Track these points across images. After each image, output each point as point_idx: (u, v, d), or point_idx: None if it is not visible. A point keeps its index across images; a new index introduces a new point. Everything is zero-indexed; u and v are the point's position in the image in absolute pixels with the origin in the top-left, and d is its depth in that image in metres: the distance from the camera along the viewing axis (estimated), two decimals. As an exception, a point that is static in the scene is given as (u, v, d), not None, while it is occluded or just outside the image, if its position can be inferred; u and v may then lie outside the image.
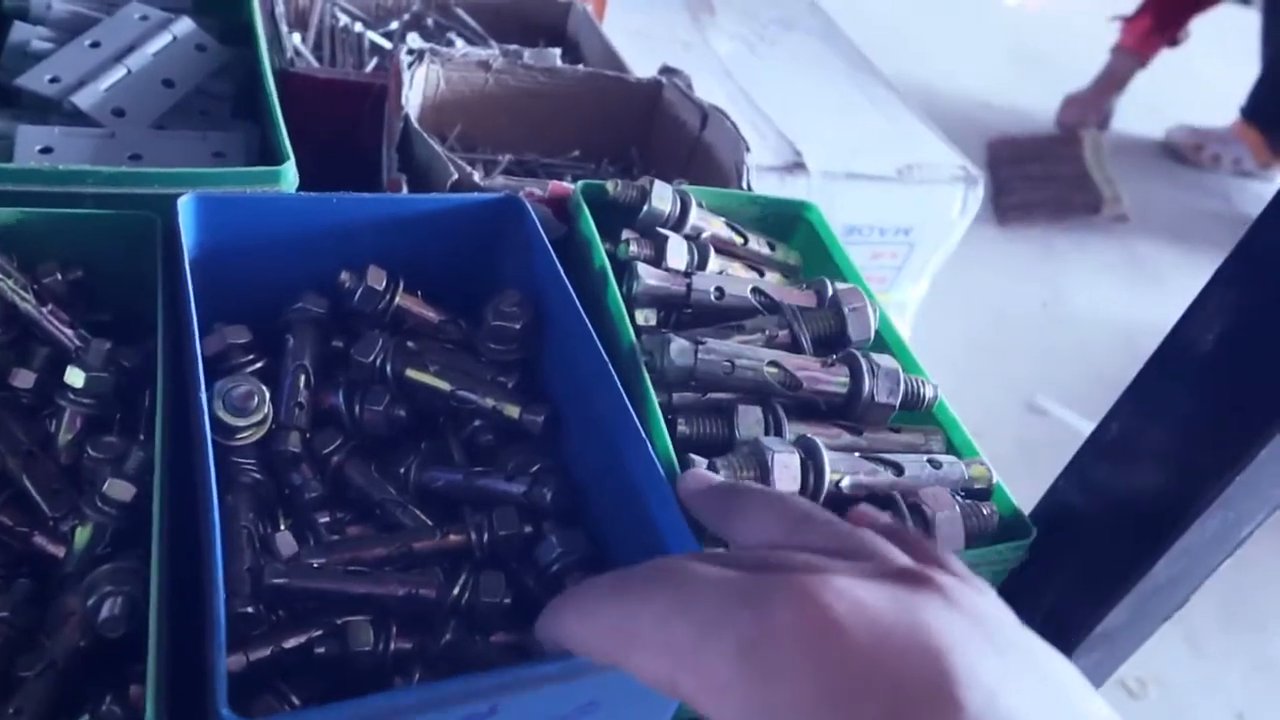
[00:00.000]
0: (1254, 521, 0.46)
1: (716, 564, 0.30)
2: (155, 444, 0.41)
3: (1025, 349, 1.86)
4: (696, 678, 0.27)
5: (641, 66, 0.91)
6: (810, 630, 0.26)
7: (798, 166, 1.25)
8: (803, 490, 0.48)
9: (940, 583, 0.29)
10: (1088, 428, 0.50)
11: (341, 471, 0.54)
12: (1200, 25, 2.65)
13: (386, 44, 0.92)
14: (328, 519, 0.52)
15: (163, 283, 0.48)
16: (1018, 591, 0.51)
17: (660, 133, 0.86)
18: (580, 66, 0.85)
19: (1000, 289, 2.13)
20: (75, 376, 0.45)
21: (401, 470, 0.54)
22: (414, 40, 0.86)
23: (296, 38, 0.85)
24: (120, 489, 0.42)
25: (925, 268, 1.46)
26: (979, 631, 0.27)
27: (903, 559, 0.31)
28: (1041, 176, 2.48)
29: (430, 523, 0.52)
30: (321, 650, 0.45)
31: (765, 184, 1.22)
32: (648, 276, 0.58)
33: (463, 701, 0.36)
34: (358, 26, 0.91)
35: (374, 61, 0.90)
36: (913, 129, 1.45)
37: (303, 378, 0.54)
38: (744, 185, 0.74)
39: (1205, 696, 1.37)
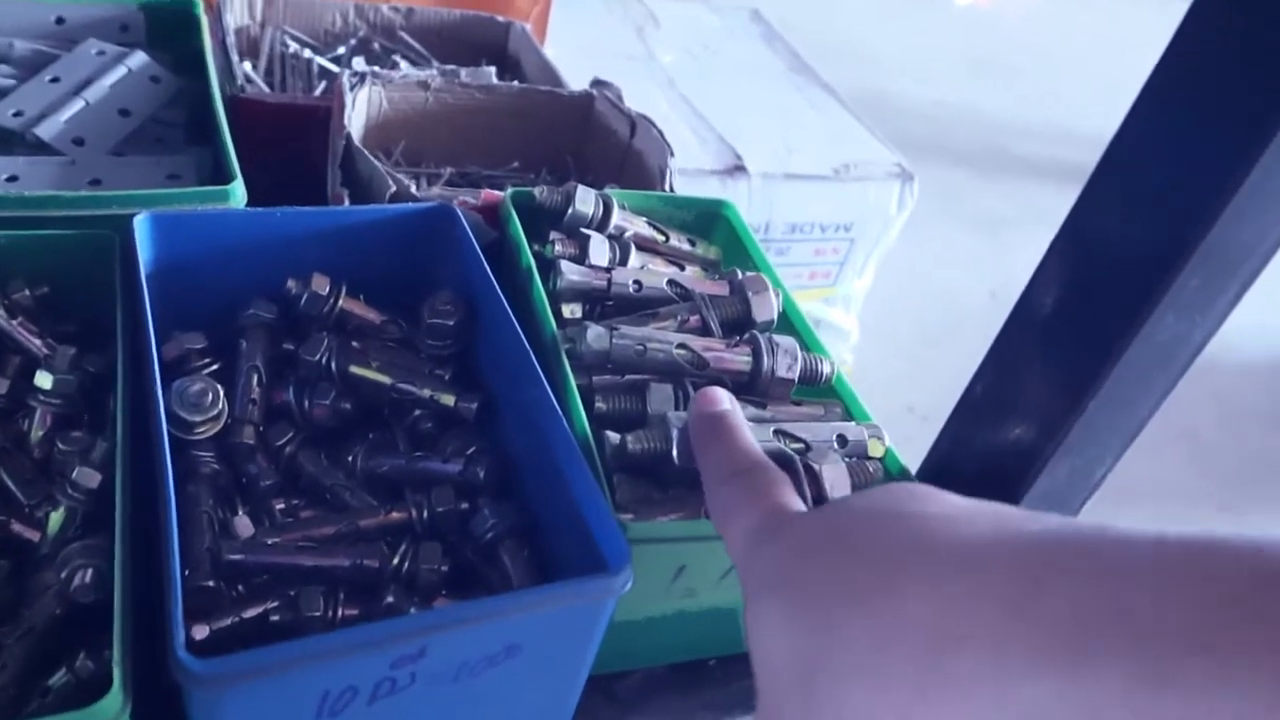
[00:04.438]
0: (1103, 466, 0.52)
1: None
2: (117, 437, 0.46)
3: (974, 337, 1.93)
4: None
5: (586, 81, 0.96)
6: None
7: (739, 169, 1.31)
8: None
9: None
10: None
11: (294, 461, 0.59)
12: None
13: (335, 68, 0.97)
14: (282, 505, 0.57)
15: (121, 294, 0.53)
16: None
17: (593, 142, 0.92)
18: (515, 83, 0.91)
19: (949, 280, 2.20)
20: (44, 379, 0.50)
21: (350, 458, 0.60)
22: (359, 64, 0.92)
23: (247, 65, 0.90)
24: (88, 476, 0.47)
25: (868, 262, 1.52)
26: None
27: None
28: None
29: (375, 503, 0.57)
30: (276, 618, 0.50)
31: (707, 187, 1.28)
32: (570, 273, 0.64)
33: (395, 641, 0.41)
34: (306, 53, 0.97)
35: (323, 85, 0.95)
36: (849, 129, 1.52)
37: (255, 376, 0.60)
38: (668, 188, 0.80)
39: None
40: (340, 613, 0.51)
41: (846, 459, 0.55)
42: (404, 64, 0.99)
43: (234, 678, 0.38)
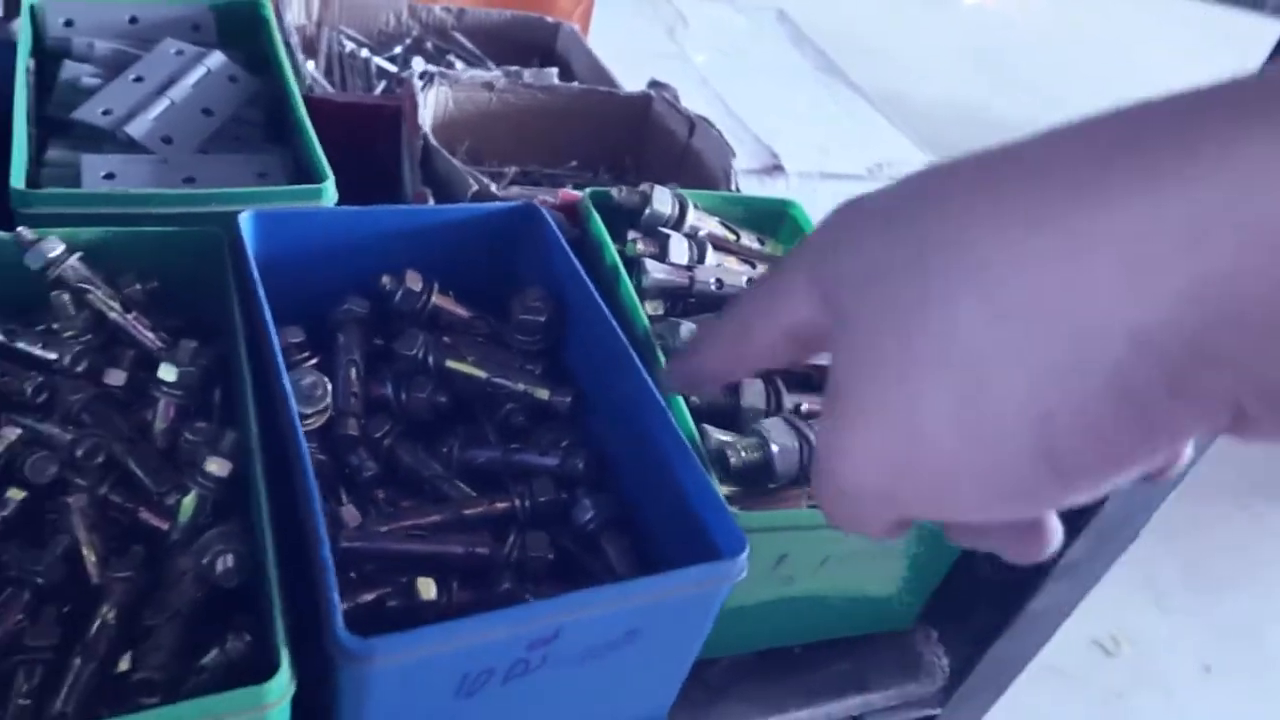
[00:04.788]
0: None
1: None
2: (250, 425, 0.47)
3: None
4: None
5: (626, 81, 0.98)
6: None
7: (776, 169, 1.33)
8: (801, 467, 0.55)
9: None
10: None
11: (393, 453, 0.60)
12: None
13: (391, 68, 0.98)
14: (383, 495, 0.59)
15: (236, 289, 0.55)
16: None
17: (651, 142, 0.94)
18: (575, 84, 0.92)
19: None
20: (168, 372, 0.52)
21: (445, 450, 0.61)
22: (419, 64, 0.93)
23: (311, 65, 0.91)
24: (219, 465, 0.48)
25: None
26: None
27: None
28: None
29: (473, 494, 0.59)
30: (393, 604, 0.52)
31: (746, 185, 1.30)
32: (655, 271, 0.66)
33: (535, 623, 0.42)
34: (364, 52, 0.98)
35: (381, 85, 0.97)
36: (880, 129, 1.53)
37: (354, 370, 0.61)
38: (733, 187, 0.82)
39: (1174, 652, 1.45)
40: (455, 597, 0.52)
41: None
42: (459, 64, 1.00)
43: (389, 657, 0.40)
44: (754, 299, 0.35)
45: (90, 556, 0.47)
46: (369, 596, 0.51)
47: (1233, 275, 0.21)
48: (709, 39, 1.69)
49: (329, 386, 0.57)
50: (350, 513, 0.55)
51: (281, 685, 0.38)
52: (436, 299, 0.64)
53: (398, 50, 1.01)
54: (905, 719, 0.63)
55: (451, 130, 0.87)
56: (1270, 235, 0.20)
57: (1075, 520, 0.55)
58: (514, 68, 0.88)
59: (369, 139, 0.85)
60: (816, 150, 1.41)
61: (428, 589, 0.52)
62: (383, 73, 0.98)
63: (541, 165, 0.93)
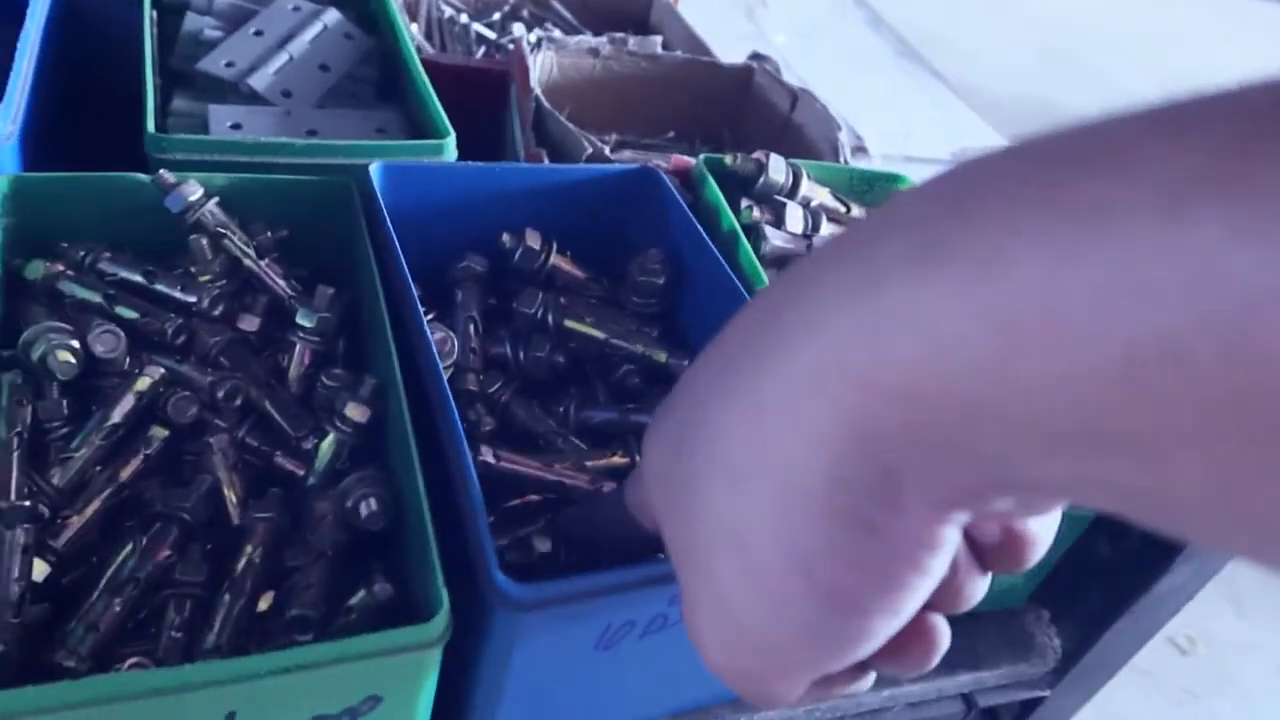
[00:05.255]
0: None
1: None
2: (394, 370, 0.47)
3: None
4: None
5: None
6: None
7: (859, 150, 1.31)
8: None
9: None
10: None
11: (508, 409, 0.61)
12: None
13: (490, 34, 0.98)
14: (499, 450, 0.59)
15: (371, 239, 0.55)
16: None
17: (751, 114, 0.93)
18: (678, 53, 0.92)
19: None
20: (306, 318, 0.52)
21: (560, 410, 0.61)
22: (519, 29, 0.93)
23: (415, 28, 0.91)
24: (358, 410, 0.48)
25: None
26: None
27: None
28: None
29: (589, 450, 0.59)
30: (510, 558, 0.51)
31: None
32: (774, 238, 0.65)
33: (681, 578, 0.42)
34: (463, 17, 0.98)
35: (481, 50, 0.97)
36: (961, 115, 1.51)
37: (472, 326, 0.61)
38: (843, 160, 0.81)
39: (1249, 653, 1.43)
40: (568, 556, 0.52)
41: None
42: (556, 31, 1.00)
43: (544, 603, 0.40)
44: (632, 498, 0.38)
45: (231, 496, 0.48)
46: (504, 540, 0.51)
47: (865, 409, 0.23)
48: (788, 21, 1.67)
49: (455, 341, 0.57)
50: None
51: (441, 625, 0.38)
52: (554, 259, 0.64)
53: (496, 17, 1.01)
54: (1015, 698, 0.63)
55: (554, 96, 0.87)
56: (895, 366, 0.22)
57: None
58: (619, 34, 0.87)
59: (474, 103, 0.85)
60: (899, 134, 1.39)
61: (543, 543, 0.51)
62: (481, 38, 0.98)
63: (638, 135, 0.92)
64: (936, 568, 0.25)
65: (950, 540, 0.25)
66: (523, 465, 0.52)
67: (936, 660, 0.30)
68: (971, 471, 0.22)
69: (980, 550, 0.28)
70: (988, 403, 0.20)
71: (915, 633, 0.28)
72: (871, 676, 0.32)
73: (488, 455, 0.50)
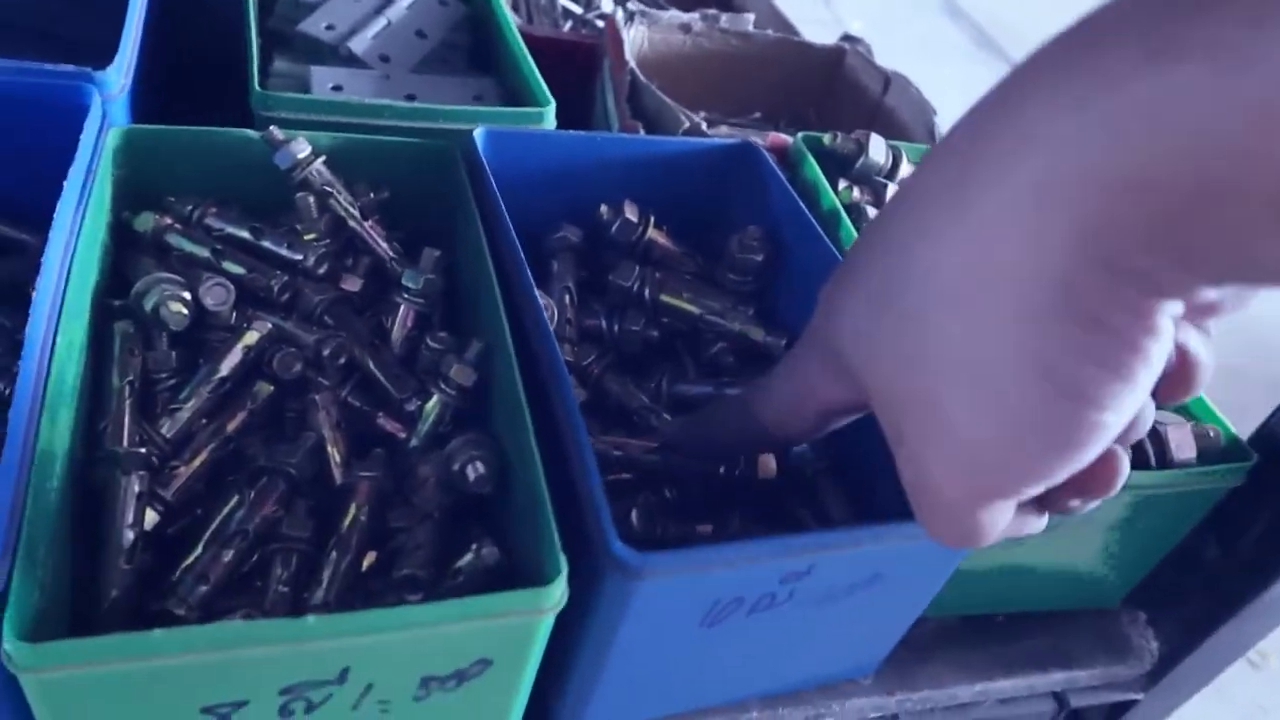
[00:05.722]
0: None
1: None
2: (505, 334, 0.46)
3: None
4: None
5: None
6: None
7: (933, 138, 1.29)
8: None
9: None
10: None
11: (600, 382, 0.60)
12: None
13: (577, 8, 0.97)
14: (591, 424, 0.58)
15: (476, 203, 0.54)
16: (1234, 513, 0.55)
17: (840, 96, 0.91)
18: (769, 32, 0.90)
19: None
20: (413, 279, 0.51)
21: (652, 385, 0.60)
22: (607, 4, 0.92)
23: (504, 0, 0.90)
24: (464, 374, 0.48)
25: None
26: None
27: None
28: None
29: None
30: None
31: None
32: (875, 218, 0.63)
33: (795, 555, 0.41)
34: (551, -9, 0.97)
35: (568, 24, 0.96)
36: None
37: (568, 296, 0.60)
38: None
39: (1321, 671, 1.39)
40: (668, 531, 0.51)
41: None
42: (644, 7, 0.98)
43: (660, 573, 0.39)
44: (781, 395, 0.42)
45: (335, 455, 0.48)
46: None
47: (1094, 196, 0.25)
48: (863, 7, 1.65)
49: (555, 311, 0.56)
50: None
51: (558, 592, 0.37)
52: (651, 232, 0.63)
53: (582, -9, 1.00)
54: (1107, 700, 0.61)
55: (645, 71, 0.86)
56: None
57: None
58: (711, 11, 0.86)
59: (562, 76, 0.84)
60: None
61: (637, 518, 0.51)
62: (568, 13, 0.97)
63: (724, 114, 0.91)
64: (1157, 357, 0.27)
65: (1168, 331, 0.27)
66: (620, 445, 0.51)
67: (1120, 485, 0.33)
68: (1202, 256, 0.25)
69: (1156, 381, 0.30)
70: (1230, 185, 0.23)
71: (1103, 460, 0.31)
72: (1046, 518, 0.36)
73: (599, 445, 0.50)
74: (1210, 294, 0.27)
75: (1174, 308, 0.27)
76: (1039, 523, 0.36)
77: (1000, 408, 0.29)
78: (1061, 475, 0.30)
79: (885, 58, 1.56)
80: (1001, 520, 0.33)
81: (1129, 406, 0.28)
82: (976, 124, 0.29)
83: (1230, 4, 0.22)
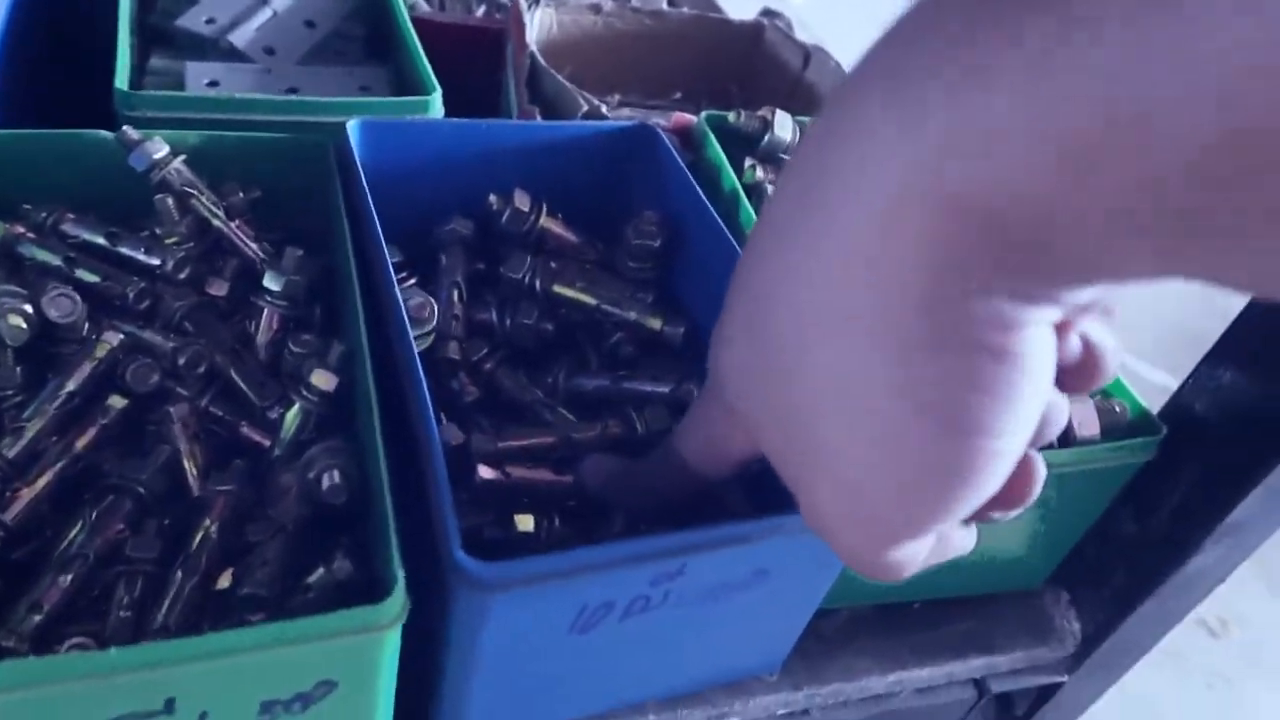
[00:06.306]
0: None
1: None
2: (360, 336, 0.44)
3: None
4: None
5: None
6: None
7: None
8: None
9: None
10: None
11: (494, 378, 0.58)
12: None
13: (491, -7, 0.95)
14: (484, 422, 0.56)
15: (344, 199, 0.52)
16: (1147, 486, 0.54)
17: (760, 73, 0.89)
18: (684, 9, 0.88)
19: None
20: (274, 281, 0.49)
21: (549, 379, 0.58)
22: (520, -13, 0.89)
23: (411, -14, 0.88)
24: (324, 379, 0.46)
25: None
26: None
27: None
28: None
29: (574, 420, 0.55)
30: (490, 534, 0.48)
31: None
32: (777, 197, 0.61)
33: (660, 557, 0.39)
34: (463, -24, 0.94)
35: (481, 9, 0.93)
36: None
37: (456, 292, 0.58)
38: (853, 118, 0.77)
39: (1283, 635, 1.38)
40: (553, 533, 0.49)
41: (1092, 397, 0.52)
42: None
43: (510, 584, 0.37)
44: (696, 442, 0.41)
45: (191, 468, 0.45)
46: (470, 522, 0.48)
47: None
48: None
49: (435, 307, 0.54)
50: (451, 430, 0.52)
51: (397, 606, 0.35)
52: (544, 221, 0.60)
53: (498, -25, 0.97)
54: (1030, 684, 0.59)
55: (553, 55, 0.83)
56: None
57: (1241, 477, 0.50)
58: (621, -10, 0.84)
59: (468, 63, 0.82)
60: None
61: (525, 522, 0.48)
62: (482, -2, 0.95)
63: (643, 96, 0.89)
64: (1041, 368, 0.26)
65: (1047, 341, 0.26)
66: (534, 477, 0.48)
67: (1039, 489, 0.30)
68: (1055, 270, 0.23)
69: (1060, 375, 0.28)
70: (1064, 207, 0.21)
71: (1017, 471, 0.29)
72: (975, 533, 0.35)
73: (488, 473, 0.47)
74: (1085, 294, 0.24)
75: (1049, 314, 0.25)
76: (965, 542, 0.35)
77: (884, 451, 0.27)
78: (970, 508, 0.28)
79: (831, 30, 1.54)
80: (918, 554, 0.31)
81: (1024, 423, 0.26)
82: (821, 141, 0.27)
83: (1033, 19, 0.20)
